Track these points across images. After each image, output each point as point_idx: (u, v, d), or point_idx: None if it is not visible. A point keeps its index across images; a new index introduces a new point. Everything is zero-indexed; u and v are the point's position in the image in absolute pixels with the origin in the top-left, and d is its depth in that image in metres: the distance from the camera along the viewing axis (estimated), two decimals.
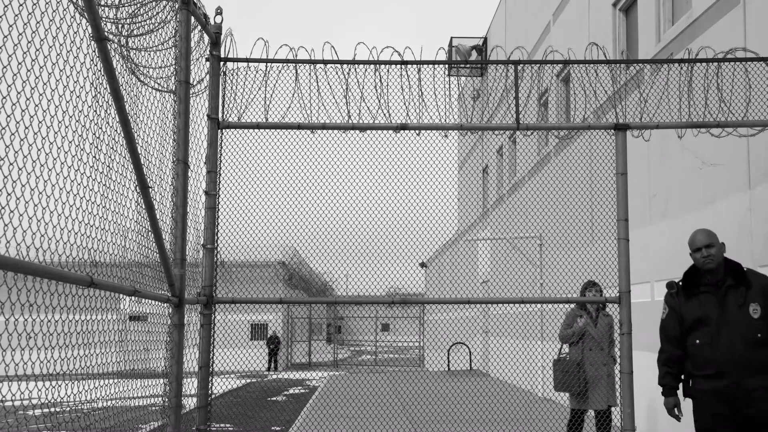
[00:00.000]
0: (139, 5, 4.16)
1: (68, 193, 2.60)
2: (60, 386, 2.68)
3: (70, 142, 2.65)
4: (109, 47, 3.01)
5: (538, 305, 12.74)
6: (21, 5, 2.29)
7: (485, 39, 20.96)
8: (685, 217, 7.19)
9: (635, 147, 5.58)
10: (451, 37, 21.11)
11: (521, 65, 5.12)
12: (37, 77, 2.38)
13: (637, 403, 5.00)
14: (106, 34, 2.86)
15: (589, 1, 10.68)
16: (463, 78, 21.59)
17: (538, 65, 5.25)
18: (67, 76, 2.64)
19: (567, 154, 8.95)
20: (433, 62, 5.14)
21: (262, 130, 5.13)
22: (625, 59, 5.40)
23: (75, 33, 2.72)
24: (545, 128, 5.24)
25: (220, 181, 4.96)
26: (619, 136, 4.97)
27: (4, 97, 2.18)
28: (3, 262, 2.03)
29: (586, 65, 5.18)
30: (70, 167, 2.62)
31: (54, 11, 2.53)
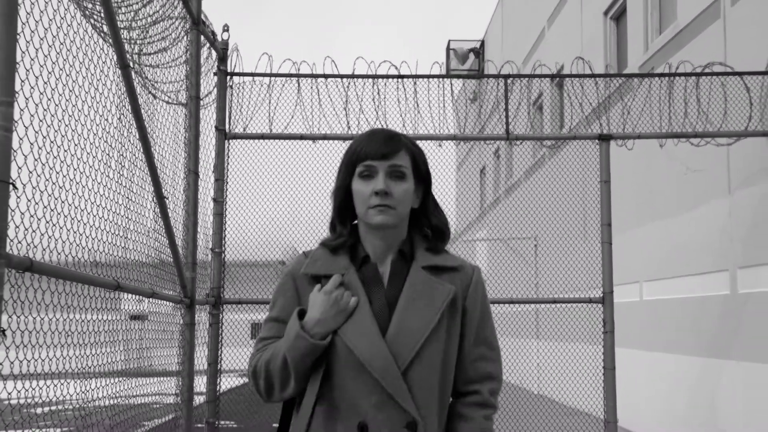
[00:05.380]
0: (152, 23, 4.46)
1: (97, 206, 2.91)
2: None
3: (99, 161, 2.95)
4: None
5: (533, 305, 13.05)
6: (55, 37, 2.60)
7: (482, 42, 21.25)
8: (670, 220, 7.50)
9: (625, 153, 5.87)
10: (449, 40, 21.37)
11: (511, 78, 5.42)
12: (73, 105, 2.69)
13: (619, 396, 5.31)
14: (128, 60, 3.16)
15: (581, 9, 10.98)
16: (461, 81, 21.88)
17: (527, 78, 5.55)
18: (96, 102, 2.95)
19: (560, 157, 9.26)
20: (428, 76, 5.44)
21: (266, 140, 5.43)
22: (609, 74, 5.70)
23: (103, 62, 3.03)
24: (533, 138, 5.55)
25: (226, 189, 5.27)
26: (603, 146, 5.28)
27: (42, 121, 2.48)
28: (43, 269, 2.33)
29: (572, 78, 5.48)
30: (99, 183, 2.93)
31: (86, 44, 2.84)
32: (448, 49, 21.45)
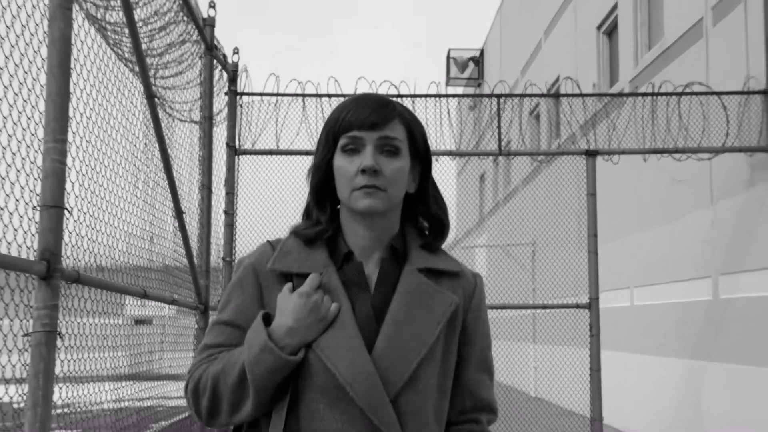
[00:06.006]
0: (167, 46, 4.82)
1: (127, 224, 3.27)
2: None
3: (128, 182, 3.31)
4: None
5: (530, 310, 13.39)
6: (95, 77, 2.96)
7: (482, 51, 21.62)
8: (658, 229, 7.85)
9: (616, 166, 6.20)
10: (449, 49, 21.76)
11: (503, 98, 5.79)
12: (107, 134, 3.05)
13: (611, 398, 5.65)
14: (153, 90, 3.53)
15: (575, 23, 11.35)
16: (460, 89, 22.26)
17: (519, 98, 5.91)
18: (126, 129, 3.31)
19: (553, 168, 9.61)
20: (425, 95, 5.80)
21: (273, 156, 5.79)
22: (596, 93, 6.06)
23: (131, 93, 3.39)
24: (524, 153, 5.91)
25: (236, 202, 5.63)
26: (590, 161, 5.64)
27: (85, 151, 2.84)
28: (88, 280, 2.68)
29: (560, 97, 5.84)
30: (128, 202, 3.29)
31: (117, 79, 3.20)
32: (448, 57, 21.83)
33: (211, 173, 5.01)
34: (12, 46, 2.30)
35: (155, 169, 3.80)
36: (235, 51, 5.74)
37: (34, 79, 2.36)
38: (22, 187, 2.30)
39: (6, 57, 2.18)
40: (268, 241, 1.49)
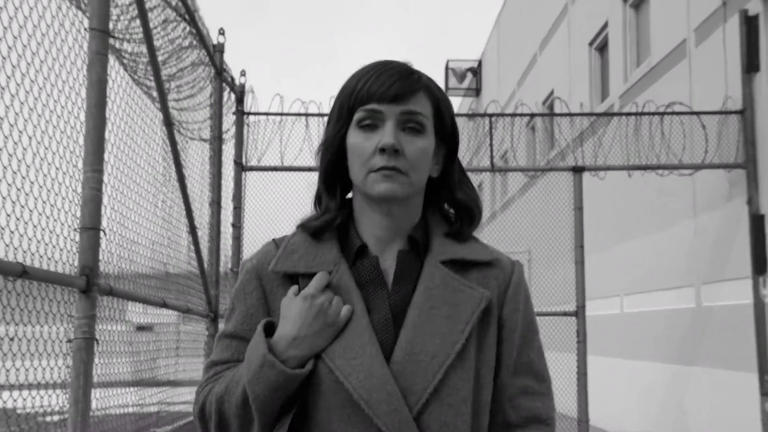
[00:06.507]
0: (181, 71, 5.17)
1: (150, 241, 3.61)
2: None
3: (149, 202, 3.65)
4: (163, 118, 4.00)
5: None
6: (119, 106, 3.30)
7: (480, 62, 22.00)
8: (646, 239, 8.19)
9: (607, 179, 6.53)
10: (448, 60, 22.14)
11: (494, 117, 6.13)
12: (132, 161, 3.39)
13: (601, 401, 5.98)
14: (172, 119, 3.87)
15: (569, 38, 11.71)
16: (459, 99, 22.63)
17: (510, 117, 6.26)
18: (149, 155, 3.65)
19: (546, 180, 9.96)
20: None
21: (278, 172, 6.13)
22: (582, 113, 6.40)
23: (152, 122, 3.74)
24: (515, 170, 6.26)
25: (243, 215, 5.97)
26: (576, 176, 5.98)
27: (116, 178, 3.18)
28: (120, 292, 3.02)
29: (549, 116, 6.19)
30: (150, 221, 3.63)
31: (141, 110, 3.55)
32: (446, 68, 22.22)
33: (220, 189, 5.35)
34: (52, 86, 2.64)
35: (172, 188, 4.14)
36: (242, 73, 6.09)
37: (76, 118, 2.70)
38: (66, 212, 2.64)
39: (55, 100, 2.52)
40: (273, 240, 1.32)
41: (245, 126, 6.08)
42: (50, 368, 2.68)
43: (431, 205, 1.33)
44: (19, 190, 2.23)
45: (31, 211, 2.30)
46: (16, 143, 2.35)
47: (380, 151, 1.20)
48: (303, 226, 1.30)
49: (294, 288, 1.23)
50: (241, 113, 6.06)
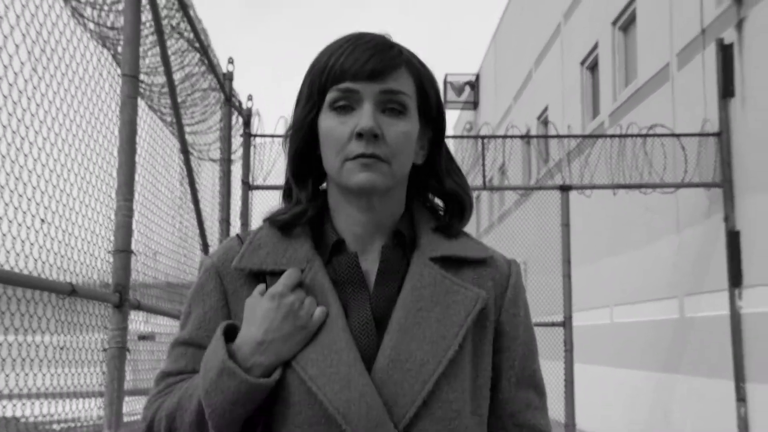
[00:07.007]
0: (194, 99, 5.56)
1: (172, 259, 3.98)
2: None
3: (170, 224, 4.03)
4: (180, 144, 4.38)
5: None
6: (145, 140, 3.68)
7: (477, 75, 22.43)
8: (633, 253, 8.56)
9: (598, 195, 6.90)
10: (446, 74, 22.58)
11: (486, 139, 6.52)
12: (154, 187, 3.77)
13: (590, 408, 6.33)
14: (188, 147, 4.25)
15: (562, 57, 12.12)
16: (457, 112, 23.07)
17: (502, 138, 6.65)
18: (168, 180, 4.03)
19: (538, 196, 10.36)
20: None
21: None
22: (569, 134, 6.78)
23: (171, 150, 4.11)
24: (505, 188, 6.63)
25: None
26: (564, 195, 6.35)
27: (141, 205, 3.56)
28: (146, 307, 3.39)
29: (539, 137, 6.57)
30: (170, 242, 4.01)
31: (161, 139, 3.93)
32: (445, 82, 22.64)
33: (229, 208, 5.73)
34: (92, 127, 3.02)
35: (188, 209, 4.52)
36: (249, 98, 6.48)
37: (110, 154, 3.08)
38: (101, 237, 3.01)
39: (95, 140, 2.90)
40: (236, 235, 1.18)
41: (252, 147, 6.46)
42: (89, 375, 3.04)
43: (415, 197, 1.19)
44: (67, 219, 2.59)
45: (76, 237, 2.66)
46: (58, 177, 2.73)
47: (357, 136, 1.06)
48: (270, 220, 1.15)
49: (261, 287, 1.08)
50: (248, 135, 6.44)
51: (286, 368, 1.04)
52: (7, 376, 2.46)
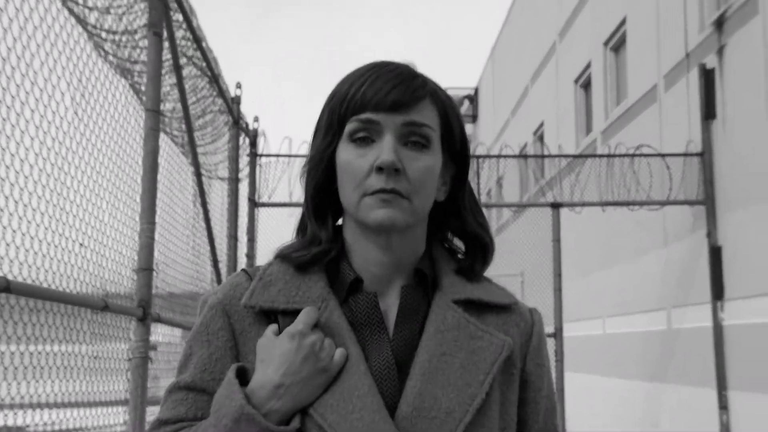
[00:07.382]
0: (205, 121, 5.89)
1: (186, 275, 4.30)
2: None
3: (185, 242, 4.34)
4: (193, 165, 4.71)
5: None
6: (163, 166, 4.00)
7: (476, 90, 22.81)
8: (624, 266, 8.87)
9: (590, 211, 7.22)
10: (445, 88, 22.88)
11: (481, 158, 6.85)
12: (170, 209, 4.09)
13: (583, 417, 6.63)
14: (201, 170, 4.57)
15: (557, 75, 12.48)
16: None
17: (496, 158, 6.98)
18: (183, 202, 4.35)
19: (531, 212, 10.69)
20: None
21: (287, 207, 6.82)
22: (560, 154, 7.11)
23: (186, 173, 4.44)
24: (499, 206, 6.95)
25: (256, 247, 6.66)
26: (554, 212, 6.67)
27: (161, 226, 3.88)
28: (165, 319, 3.70)
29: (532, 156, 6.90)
30: (185, 258, 4.32)
31: (176, 162, 4.25)
32: None
33: (237, 225, 6.05)
34: (116, 155, 3.34)
35: (200, 228, 4.84)
36: (255, 119, 6.82)
37: (133, 180, 3.40)
38: (126, 257, 3.33)
39: (121, 168, 3.22)
40: (243, 270, 1.12)
41: (258, 166, 6.78)
42: (115, 382, 3.35)
43: (435, 235, 1.14)
44: (99, 242, 2.91)
45: (107, 257, 2.98)
46: (88, 201, 3.05)
47: (377, 170, 1.01)
48: (285, 257, 1.08)
49: (273, 327, 1.02)
50: (254, 155, 6.76)
51: (304, 416, 0.97)
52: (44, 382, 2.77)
